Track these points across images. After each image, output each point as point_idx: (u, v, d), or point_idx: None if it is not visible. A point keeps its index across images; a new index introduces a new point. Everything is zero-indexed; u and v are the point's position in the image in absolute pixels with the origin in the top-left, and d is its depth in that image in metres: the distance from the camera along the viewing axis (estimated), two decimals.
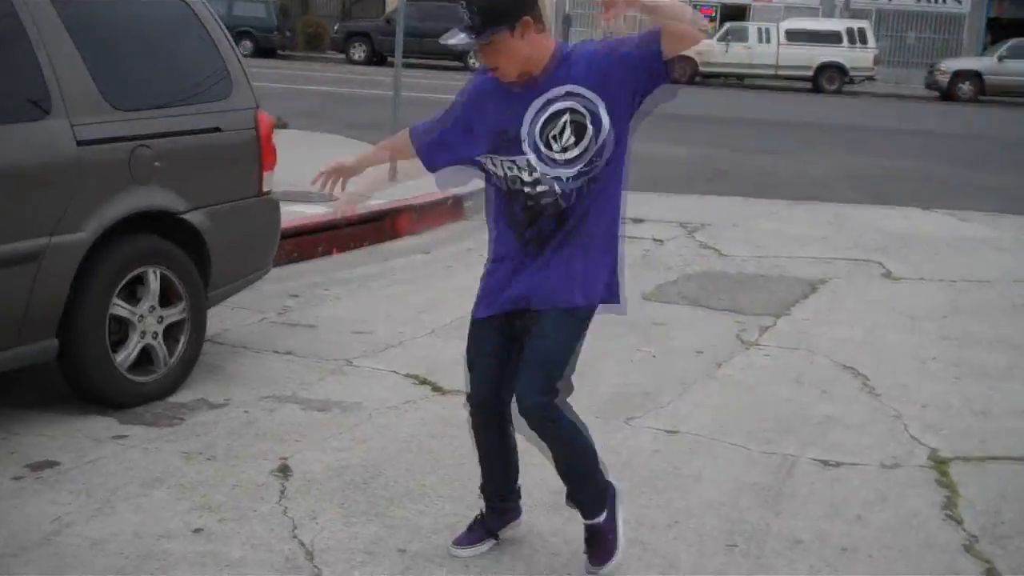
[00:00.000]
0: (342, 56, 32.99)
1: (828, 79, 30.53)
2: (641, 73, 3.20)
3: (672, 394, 5.36)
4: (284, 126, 14.67)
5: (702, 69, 31.48)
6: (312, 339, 6.07)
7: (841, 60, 30.54)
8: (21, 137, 4.47)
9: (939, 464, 4.61)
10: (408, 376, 5.46)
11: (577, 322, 3.41)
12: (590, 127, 3.22)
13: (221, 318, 6.27)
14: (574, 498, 3.56)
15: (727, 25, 32.92)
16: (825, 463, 4.57)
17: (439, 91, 17.69)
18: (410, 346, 5.98)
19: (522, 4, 3.16)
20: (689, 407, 5.20)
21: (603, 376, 5.58)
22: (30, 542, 3.63)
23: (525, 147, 3.25)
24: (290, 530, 3.79)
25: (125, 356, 4.91)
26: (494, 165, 3.33)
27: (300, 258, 8.18)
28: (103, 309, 4.77)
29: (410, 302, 6.99)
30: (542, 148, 3.24)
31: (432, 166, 3.49)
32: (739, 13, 36.27)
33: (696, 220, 10.16)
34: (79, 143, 4.62)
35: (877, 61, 31.02)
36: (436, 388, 5.28)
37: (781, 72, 31.01)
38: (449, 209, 9.80)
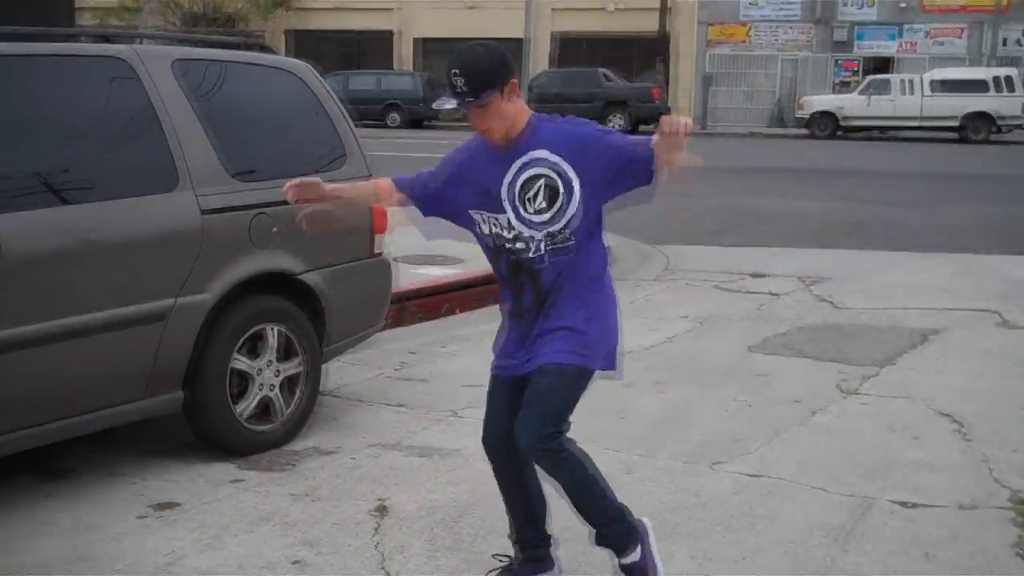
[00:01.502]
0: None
1: (974, 129, 29.95)
2: (626, 169, 3.46)
3: (761, 441, 5.52)
4: None
5: (844, 124, 31.31)
6: (423, 392, 6.43)
7: (988, 109, 29.95)
8: (152, 208, 4.97)
9: (1018, 505, 4.67)
10: None
11: (577, 374, 3.60)
12: (562, 195, 3.50)
13: (342, 374, 6.70)
14: (603, 536, 3.74)
15: (868, 79, 32.70)
16: (903, 504, 4.68)
17: None
18: None
19: (507, 67, 3.47)
20: (776, 453, 5.35)
21: (696, 424, 5.78)
22: (146, 571, 4.04)
23: (505, 205, 3.55)
24: (379, 562, 4.12)
25: (245, 407, 5.34)
26: (482, 220, 3.64)
27: (424, 318, 8.60)
28: (225, 363, 5.21)
29: None
30: (519, 208, 3.53)
31: (428, 214, 3.82)
32: (883, 65, 35.91)
33: (816, 274, 10.24)
34: (203, 212, 5.11)
35: None
36: None
37: (926, 123, 30.57)
38: None
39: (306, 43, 37.67)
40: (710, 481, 4.97)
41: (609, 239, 3.79)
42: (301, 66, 6.07)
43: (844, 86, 35.68)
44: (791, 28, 37.39)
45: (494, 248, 3.67)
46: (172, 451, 5.35)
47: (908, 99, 30.75)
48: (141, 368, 4.91)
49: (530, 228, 3.54)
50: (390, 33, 40.29)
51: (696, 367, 6.96)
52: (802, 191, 17.18)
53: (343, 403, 6.20)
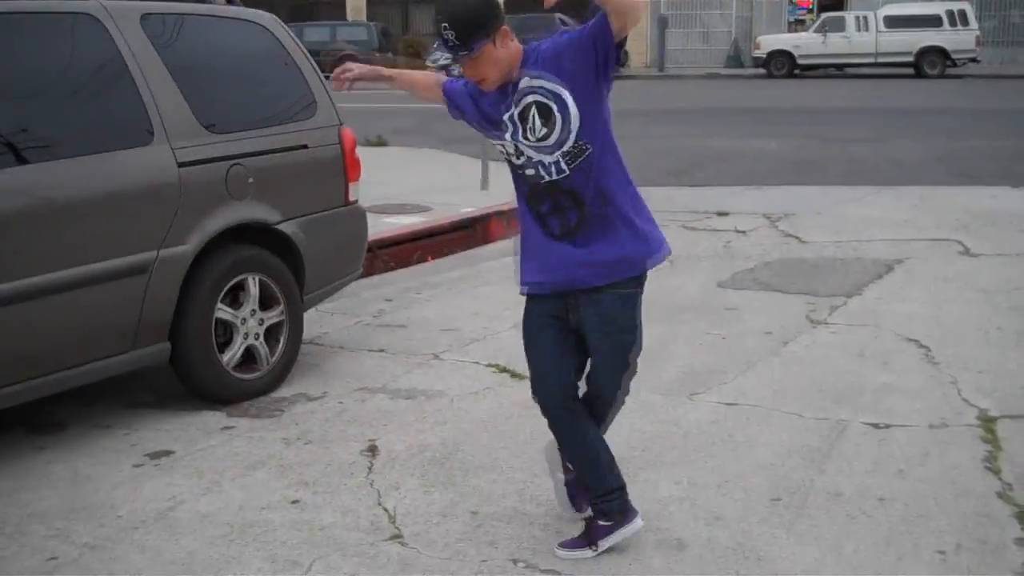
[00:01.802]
0: (443, 73, 33.68)
1: (929, 63, 30.22)
2: (593, 51, 3.37)
3: (736, 371, 5.67)
4: (383, 143, 15.28)
5: (800, 62, 31.46)
6: (403, 337, 6.53)
7: (942, 43, 30.20)
8: (129, 162, 5.01)
9: (986, 423, 4.86)
10: (489, 366, 5.88)
11: (628, 298, 3.61)
12: (557, 114, 3.44)
13: (321, 323, 6.79)
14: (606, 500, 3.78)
15: (823, 16, 32.79)
16: (875, 426, 4.86)
17: None
18: (493, 339, 6.40)
19: (496, 13, 3.43)
20: (751, 382, 5.51)
21: (672, 358, 5.92)
22: (148, 517, 4.14)
23: (507, 135, 3.55)
24: (375, 499, 4.24)
25: (231, 356, 5.42)
26: (488, 140, 3.69)
27: (397, 266, 8.69)
28: (209, 314, 5.28)
29: (496, 300, 7.40)
30: (526, 139, 3.51)
31: (454, 117, 3.89)
32: (837, 3, 36.02)
33: (780, 210, 10.39)
34: (180, 165, 5.15)
35: (979, 42, 30.56)
36: (514, 375, 5.66)
37: (881, 59, 30.80)
38: None
39: None
40: (689, 411, 5.12)
41: None
42: (268, 18, 6.10)
43: (799, 24, 35.79)
44: None
45: (508, 163, 3.66)
46: (159, 403, 5.43)
47: (863, 36, 30.94)
48: (127, 321, 4.98)
49: (547, 153, 3.48)
50: None
51: (668, 304, 7.09)
52: (761, 130, 17.32)
53: (325, 350, 6.29)
